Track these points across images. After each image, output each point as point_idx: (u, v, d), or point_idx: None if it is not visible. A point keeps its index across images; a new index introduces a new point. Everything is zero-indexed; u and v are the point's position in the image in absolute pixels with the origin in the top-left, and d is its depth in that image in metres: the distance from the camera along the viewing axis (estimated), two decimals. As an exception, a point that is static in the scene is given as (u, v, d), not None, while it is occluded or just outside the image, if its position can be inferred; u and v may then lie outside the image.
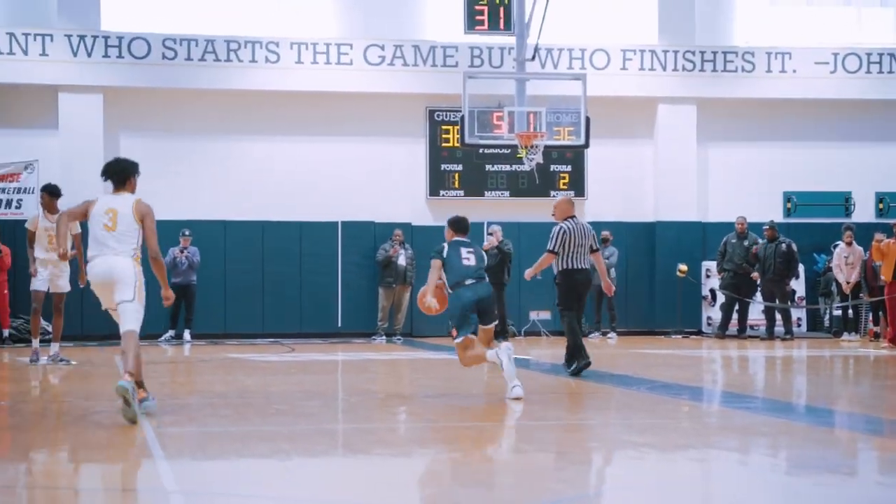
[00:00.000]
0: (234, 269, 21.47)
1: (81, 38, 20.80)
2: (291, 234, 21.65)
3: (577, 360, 13.37)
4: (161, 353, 18.13)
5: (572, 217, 13.54)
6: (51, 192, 15.24)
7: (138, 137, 21.48)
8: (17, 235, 20.20)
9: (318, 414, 10.40)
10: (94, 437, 8.79)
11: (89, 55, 20.84)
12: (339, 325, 21.75)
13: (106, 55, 20.91)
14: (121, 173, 10.03)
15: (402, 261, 20.83)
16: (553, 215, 13.72)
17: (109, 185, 10.07)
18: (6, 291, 19.59)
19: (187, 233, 20.61)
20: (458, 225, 11.52)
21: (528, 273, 13.85)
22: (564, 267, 13.37)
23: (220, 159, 21.88)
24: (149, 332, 20.56)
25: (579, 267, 13.39)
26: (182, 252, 20.48)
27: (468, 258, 11.22)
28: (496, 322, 11.79)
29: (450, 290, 11.18)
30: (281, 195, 21.84)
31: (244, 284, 21.48)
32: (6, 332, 19.65)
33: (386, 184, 22.26)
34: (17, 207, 20.79)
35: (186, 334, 20.65)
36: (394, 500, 6.79)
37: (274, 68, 21.55)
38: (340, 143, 22.20)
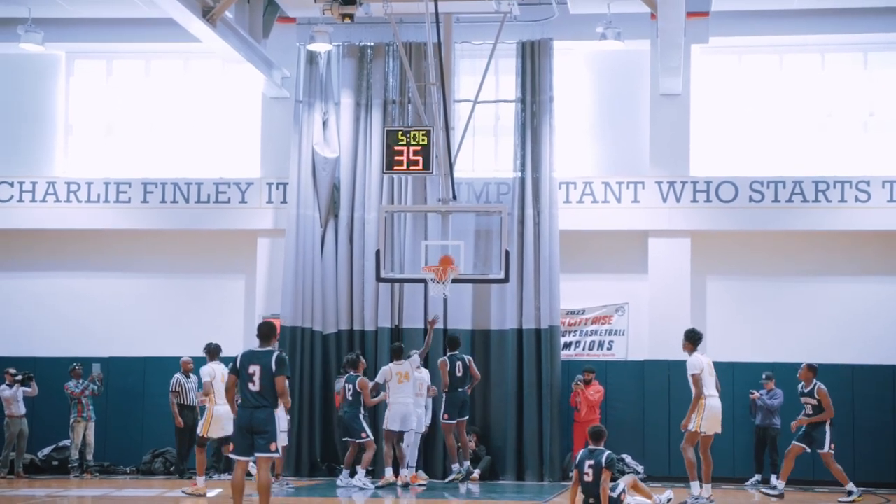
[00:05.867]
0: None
1: (671, 184, 21.38)
2: (886, 379, 20.71)
3: None
4: (748, 498, 17.82)
5: None
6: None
7: (723, 280, 21.68)
8: (607, 375, 20.97)
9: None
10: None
11: (678, 200, 21.36)
12: None
13: (694, 200, 21.35)
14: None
15: None
16: None
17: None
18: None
19: (764, 376, 20.22)
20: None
21: None
22: None
23: (805, 301, 21.51)
24: (733, 476, 20.26)
25: None
26: (759, 394, 20.11)
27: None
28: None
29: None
30: (868, 336, 21.09)
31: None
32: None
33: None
34: (608, 349, 21.58)
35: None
36: None
37: (864, 208, 20.99)
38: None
